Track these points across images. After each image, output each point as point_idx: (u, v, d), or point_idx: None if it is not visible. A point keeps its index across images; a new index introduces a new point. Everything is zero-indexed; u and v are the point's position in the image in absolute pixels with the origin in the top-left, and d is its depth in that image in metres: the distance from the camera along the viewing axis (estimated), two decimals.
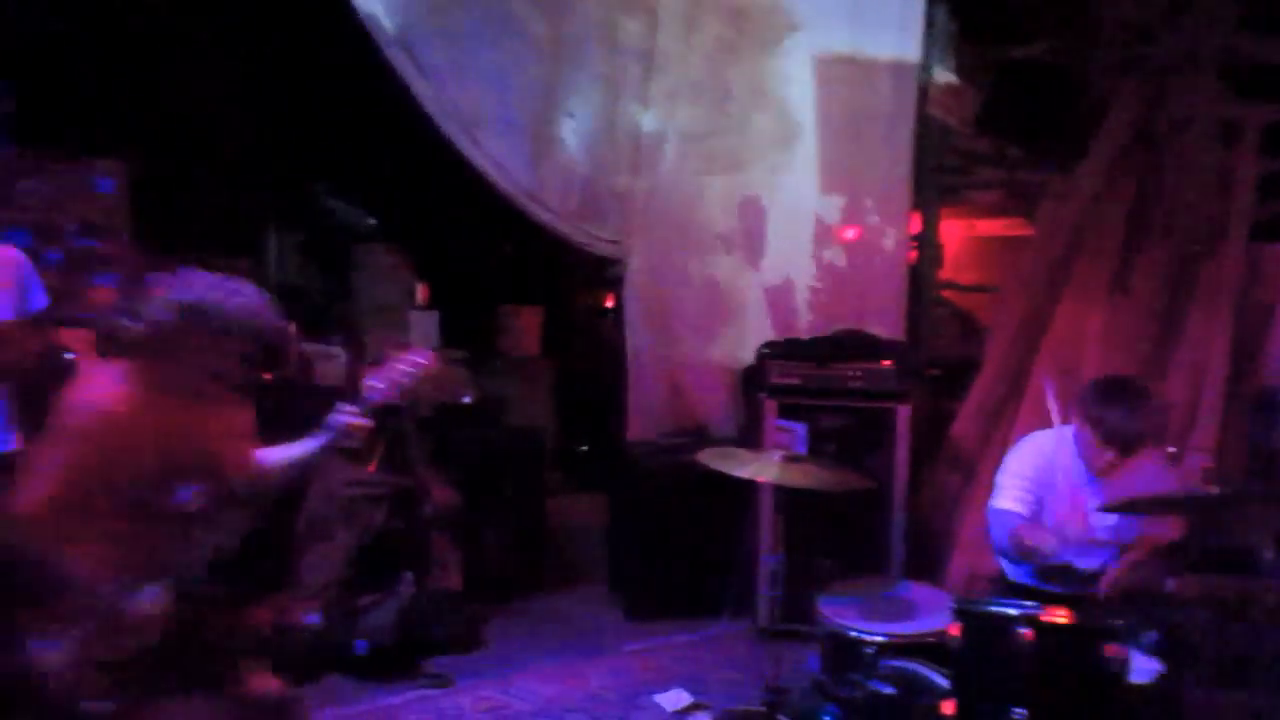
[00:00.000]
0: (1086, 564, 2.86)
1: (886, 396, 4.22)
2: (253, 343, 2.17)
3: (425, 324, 5.63)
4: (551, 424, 6.31)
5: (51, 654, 1.94)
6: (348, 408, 2.29)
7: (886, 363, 4.31)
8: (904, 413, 4.20)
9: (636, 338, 4.72)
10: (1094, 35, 4.97)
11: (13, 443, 3.09)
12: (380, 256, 6.06)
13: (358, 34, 4.02)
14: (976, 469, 4.54)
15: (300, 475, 2.26)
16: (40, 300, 3.24)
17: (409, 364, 2.32)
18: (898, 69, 4.81)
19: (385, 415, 2.35)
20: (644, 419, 4.79)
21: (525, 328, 6.62)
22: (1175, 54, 4.76)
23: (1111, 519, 2.77)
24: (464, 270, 6.61)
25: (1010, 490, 2.93)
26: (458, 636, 4.04)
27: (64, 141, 4.42)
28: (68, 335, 3.44)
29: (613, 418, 5.00)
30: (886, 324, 4.86)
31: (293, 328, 5.15)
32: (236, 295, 2.13)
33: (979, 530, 4.37)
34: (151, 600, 2.01)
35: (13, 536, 1.95)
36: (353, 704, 3.44)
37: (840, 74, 4.77)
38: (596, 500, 5.21)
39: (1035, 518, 2.86)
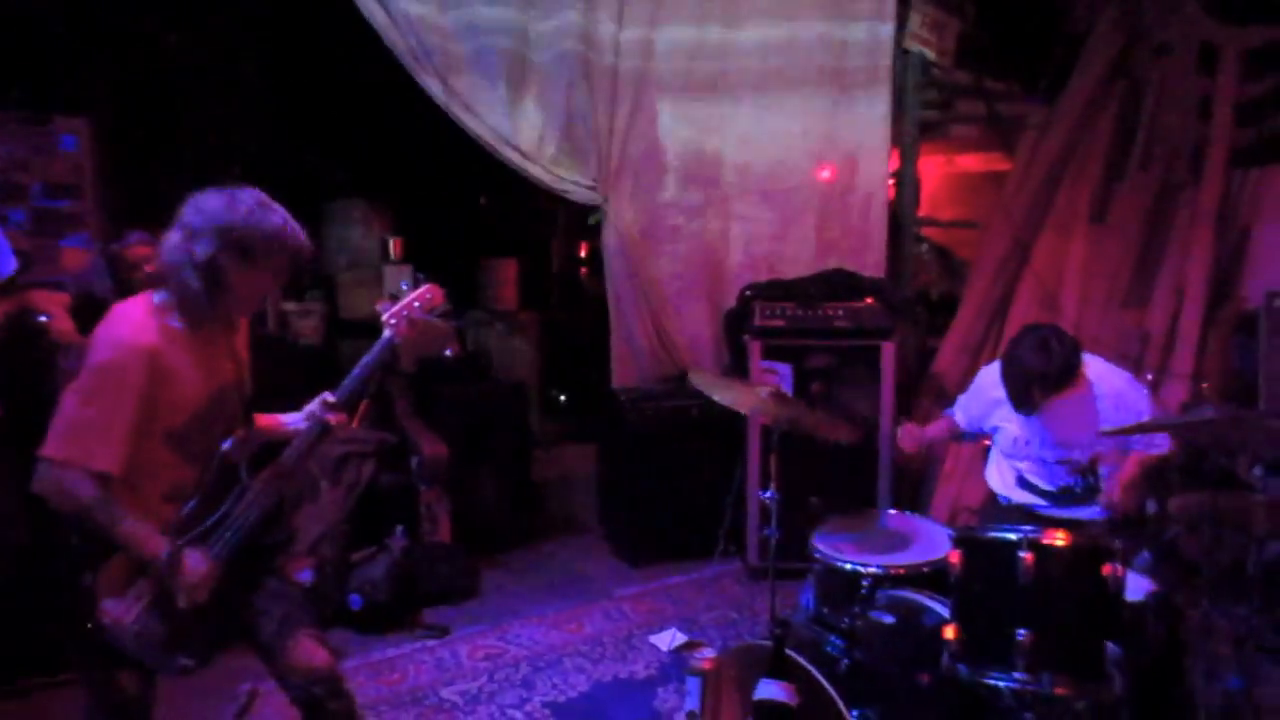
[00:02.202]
0: (1049, 483, 2.98)
1: (871, 334, 4.23)
2: (284, 262, 2.04)
3: (399, 278, 5.55)
4: (536, 376, 6.29)
5: (124, 611, 1.94)
6: (329, 398, 2.20)
7: (870, 300, 4.31)
8: (889, 349, 4.22)
9: (618, 284, 4.68)
10: None
11: None
12: (353, 211, 5.96)
13: None
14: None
15: (297, 462, 2.19)
16: (8, 263, 3.16)
17: (420, 298, 2.26)
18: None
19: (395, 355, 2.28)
20: (628, 366, 4.78)
21: (504, 280, 6.56)
22: None
23: (1057, 436, 2.90)
24: (439, 223, 6.52)
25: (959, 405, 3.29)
26: (452, 588, 4.05)
27: (26, 99, 4.27)
28: (41, 298, 3.35)
29: (597, 367, 4.98)
30: (868, 262, 4.85)
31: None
32: (260, 211, 2.00)
33: (961, 463, 4.45)
34: (197, 563, 1.98)
35: (83, 495, 1.89)
36: (353, 657, 3.44)
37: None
38: (585, 450, 5.21)
39: (972, 429, 3.24)
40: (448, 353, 5.22)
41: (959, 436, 3.36)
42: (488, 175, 4.69)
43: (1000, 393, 2.94)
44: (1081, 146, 4.81)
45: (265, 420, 2.29)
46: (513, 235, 7.18)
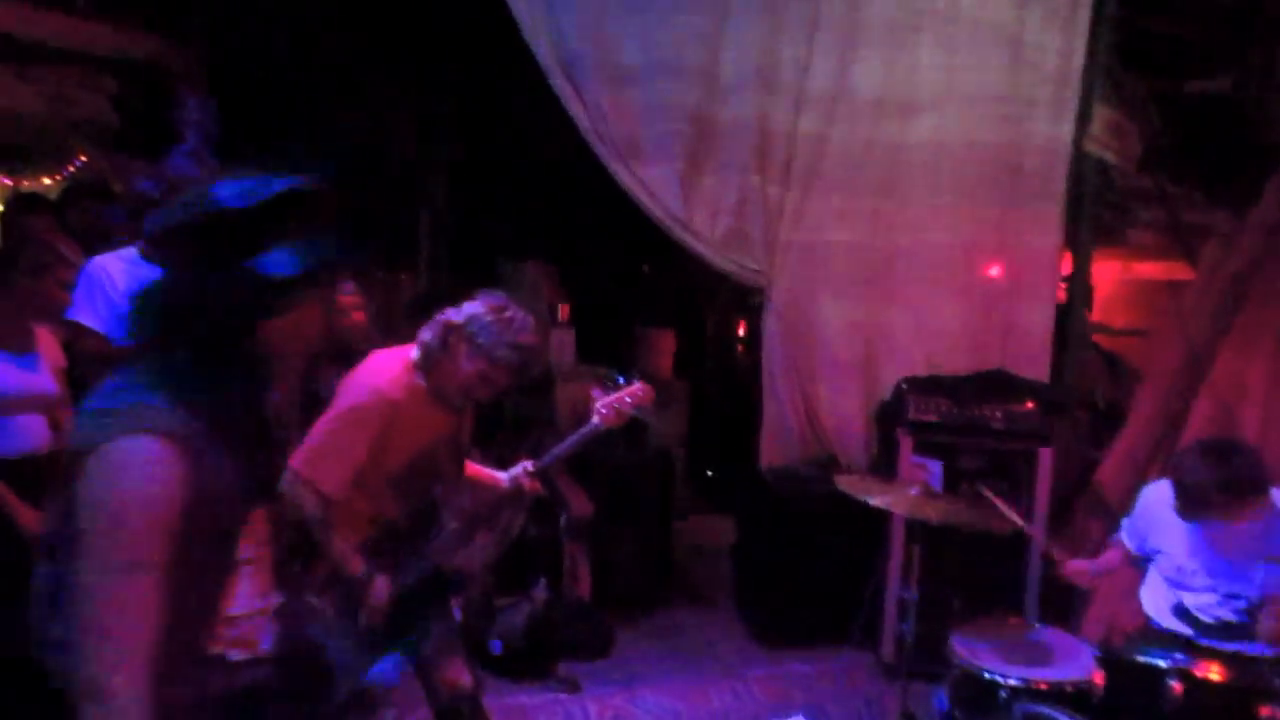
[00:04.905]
0: (1209, 616, 2.81)
1: (1028, 438, 4.15)
2: (512, 374, 2.36)
3: (563, 341, 5.82)
4: (683, 445, 6.42)
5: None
6: (529, 468, 2.59)
7: (1030, 404, 4.23)
8: (1046, 455, 4.11)
9: (774, 365, 4.77)
10: (1276, 70, 4.75)
11: None
12: (527, 272, 6.32)
13: (522, 61, 4.26)
14: (1120, 518, 4.39)
15: (487, 514, 2.54)
16: None
17: (633, 395, 2.59)
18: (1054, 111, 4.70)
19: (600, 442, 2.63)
20: (777, 445, 4.83)
21: (661, 349, 6.77)
22: None
23: (1229, 568, 2.75)
24: (603, 289, 6.81)
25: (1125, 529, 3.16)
26: (586, 644, 4.18)
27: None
28: None
29: (745, 443, 5.05)
30: (1032, 365, 4.74)
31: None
32: (507, 330, 2.31)
33: (1121, 582, 4.23)
34: (382, 590, 2.30)
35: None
36: (489, 699, 3.60)
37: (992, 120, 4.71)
38: (724, 522, 5.27)
39: (1141, 553, 3.09)
40: None
41: (1134, 563, 3.20)
42: (652, 245, 4.91)
43: (1167, 513, 2.81)
44: (1271, 259, 4.58)
45: (473, 470, 2.60)
46: (671, 305, 7.42)
